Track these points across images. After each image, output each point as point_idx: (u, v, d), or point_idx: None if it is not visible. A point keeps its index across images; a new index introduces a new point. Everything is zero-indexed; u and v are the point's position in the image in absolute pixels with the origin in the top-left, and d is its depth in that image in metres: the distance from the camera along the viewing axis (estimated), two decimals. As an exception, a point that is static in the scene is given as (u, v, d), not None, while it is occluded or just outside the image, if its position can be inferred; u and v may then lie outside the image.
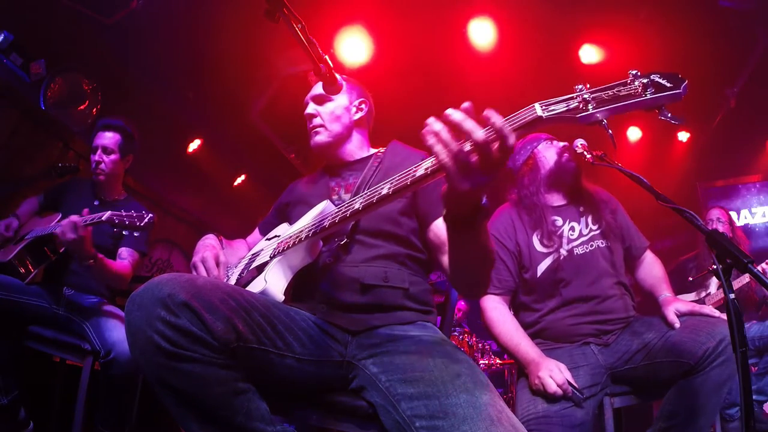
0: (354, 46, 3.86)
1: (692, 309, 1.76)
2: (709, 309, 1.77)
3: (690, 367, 1.56)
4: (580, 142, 1.93)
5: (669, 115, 0.84)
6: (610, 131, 0.86)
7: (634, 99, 0.82)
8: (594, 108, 0.83)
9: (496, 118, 0.83)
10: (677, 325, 1.71)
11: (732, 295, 1.23)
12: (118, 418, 2.10)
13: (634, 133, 5.08)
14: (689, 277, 3.24)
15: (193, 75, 4.06)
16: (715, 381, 1.53)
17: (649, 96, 0.82)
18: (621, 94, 0.83)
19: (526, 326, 1.86)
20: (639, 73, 0.84)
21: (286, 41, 1.48)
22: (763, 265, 2.84)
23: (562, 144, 2.00)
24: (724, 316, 1.73)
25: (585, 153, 1.87)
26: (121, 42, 3.61)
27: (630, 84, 0.84)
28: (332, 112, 1.55)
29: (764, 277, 1.20)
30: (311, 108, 1.56)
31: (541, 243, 1.91)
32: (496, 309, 1.86)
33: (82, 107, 3.71)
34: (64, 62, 3.55)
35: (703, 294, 3.21)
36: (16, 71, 3.26)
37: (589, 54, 4.06)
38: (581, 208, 1.98)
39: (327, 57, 1.37)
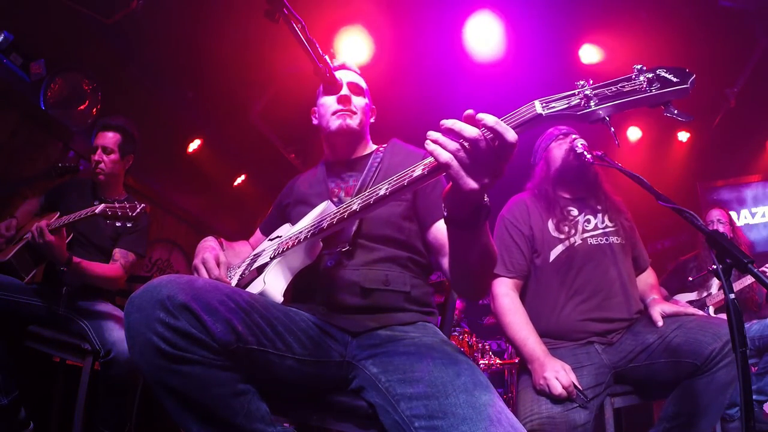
0: (354, 46, 3.87)
1: (677, 310, 1.79)
2: (693, 309, 1.80)
3: (696, 368, 1.56)
4: (580, 143, 1.95)
5: (675, 111, 0.80)
6: (613, 129, 0.83)
7: (638, 95, 0.79)
8: (596, 105, 0.80)
9: (488, 118, 0.82)
10: (660, 323, 1.75)
11: (732, 295, 1.23)
12: (117, 418, 2.10)
13: (634, 133, 5.09)
14: (690, 277, 3.24)
15: (193, 75, 4.06)
16: (722, 382, 1.53)
17: (654, 91, 0.78)
18: (625, 90, 0.80)
19: (533, 318, 1.86)
20: (644, 68, 0.80)
21: (286, 41, 1.48)
22: (764, 268, 2.83)
23: (569, 140, 2.00)
24: (712, 315, 1.75)
25: (585, 153, 1.88)
26: (121, 42, 3.61)
27: (634, 79, 0.80)
28: (363, 107, 1.56)
29: (765, 278, 1.20)
30: (346, 91, 1.53)
31: (556, 228, 1.93)
32: (508, 296, 1.86)
33: (82, 107, 3.71)
34: (64, 62, 3.55)
35: (704, 294, 3.20)
36: (16, 71, 3.26)
37: (590, 54, 4.07)
38: (599, 207, 2.00)
39: (327, 57, 1.37)
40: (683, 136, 5.09)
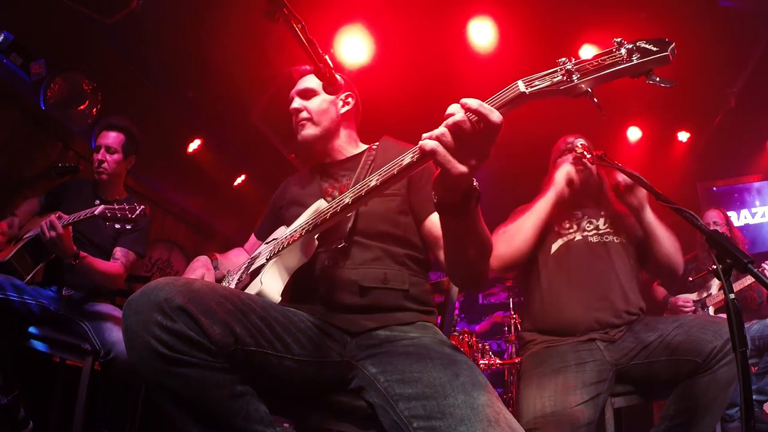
0: (354, 46, 3.87)
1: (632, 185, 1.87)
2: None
3: (697, 366, 1.56)
4: (579, 142, 1.96)
5: (657, 79, 0.81)
6: (596, 99, 0.84)
7: (620, 66, 0.80)
8: (579, 79, 0.82)
9: (471, 102, 0.84)
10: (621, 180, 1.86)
11: (732, 295, 1.23)
12: (117, 418, 2.10)
13: (634, 133, 5.07)
14: (689, 277, 3.24)
15: (193, 75, 4.05)
16: (724, 380, 1.54)
17: (635, 61, 0.80)
18: (606, 62, 0.81)
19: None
20: (624, 41, 0.82)
21: (287, 41, 1.48)
22: (764, 265, 2.84)
23: (573, 156, 2.03)
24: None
25: (585, 153, 1.89)
26: (121, 42, 3.61)
27: (615, 52, 0.82)
28: (318, 107, 1.54)
29: (764, 278, 1.20)
30: (297, 103, 1.55)
31: (559, 225, 2.00)
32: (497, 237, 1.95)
33: (82, 107, 3.71)
34: (64, 62, 3.55)
35: (704, 294, 3.20)
36: (16, 71, 3.26)
37: (589, 54, 4.05)
38: (602, 212, 2.04)
39: (327, 57, 1.37)
40: (683, 136, 5.07)
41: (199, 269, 1.39)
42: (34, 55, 3.33)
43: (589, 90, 0.83)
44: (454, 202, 0.95)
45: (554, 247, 1.96)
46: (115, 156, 2.43)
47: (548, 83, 0.84)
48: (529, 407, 1.66)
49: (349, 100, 1.61)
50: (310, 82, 1.57)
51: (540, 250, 1.97)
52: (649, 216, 1.86)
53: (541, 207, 1.91)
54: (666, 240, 1.86)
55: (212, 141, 4.87)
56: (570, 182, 1.93)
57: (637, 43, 0.81)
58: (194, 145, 4.78)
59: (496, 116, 0.83)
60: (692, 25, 3.67)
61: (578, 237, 1.97)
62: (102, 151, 2.42)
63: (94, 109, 3.76)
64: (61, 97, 3.56)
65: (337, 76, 1.55)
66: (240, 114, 4.53)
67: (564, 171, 1.95)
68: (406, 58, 4.01)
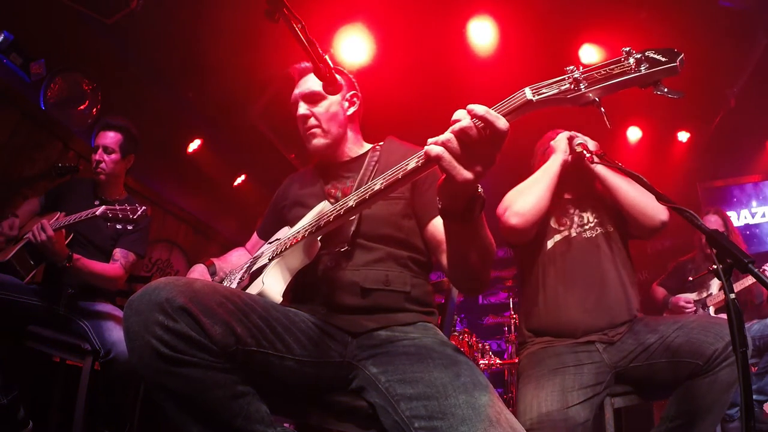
0: (354, 46, 3.87)
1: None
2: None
3: (699, 368, 1.56)
4: (579, 142, 1.96)
5: (665, 89, 0.80)
6: (603, 109, 0.83)
7: (628, 75, 0.80)
8: (586, 88, 0.81)
9: (478, 108, 0.83)
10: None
11: (732, 295, 1.23)
12: (117, 418, 2.10)
13: (634, 133, 5.07)
14: (689, 277, 3.24)
15: (193, 75, 4.05)
16: (725, 381, 1.53)
17: (644, 71, 0.79)
18: (614, 72, 0.80)
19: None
20: (632, 50, 0.81)
21: (286, 41, 1.47)
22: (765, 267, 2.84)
23: (572, 156, 2.03)
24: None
25: (585, 152, 1.89)
26: (121, 42, 3.61)
27: (623, 61, 0.81)
28: (327, 111, 1.47)
29: (765, 278, 1.20)
30: (303, 109, 1.48)
31: (557, 221, 2.02)
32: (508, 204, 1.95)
33: (82, 107, 3.71)
34: (64, 62, 3.55)
35: (704, 294, 3.20)
36: (16, 71, 3.26)
37: (589, 54, 4.06)
38: (590, 201, 2.06)
39: (327, 57, 1.37)
40: (683, 136, 5.07)
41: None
42: (34, 55, 3.34)
43: (597, 99, 0.82)
44: (459, 209, 0.95)
45: (550, 243, 1.96)
46: (113, 156, 2.43)
47: (555, 91, 0.83)
48: (527, 407, 1.66)
49: (354, 100, 1.57)
50: (313, 83, 1.49)
51: (537, 247, 1.97)
52: (601, 169, 1.92)
53: (552, 168, 1.94)
54: (627, 187, 1.87)
55: (212, 141, 4.87)
56: (570, 142, 1.98)
57: (646, 53, 0.80)
58: (194, 145, 4.77)
59: (502, 123, 0.83)
60: (692, 25, 3.67)
61: (574, 233, 1.98)
62: (100, 151, 2.42)
63: (94, 109, 3.76)
64: (61, 97, 3.56)
65: (338, 77, 1.54)
66: (240, 114, 4.53)
67: (563, 136, 2.00)
68: (406, 58, 4.01)
